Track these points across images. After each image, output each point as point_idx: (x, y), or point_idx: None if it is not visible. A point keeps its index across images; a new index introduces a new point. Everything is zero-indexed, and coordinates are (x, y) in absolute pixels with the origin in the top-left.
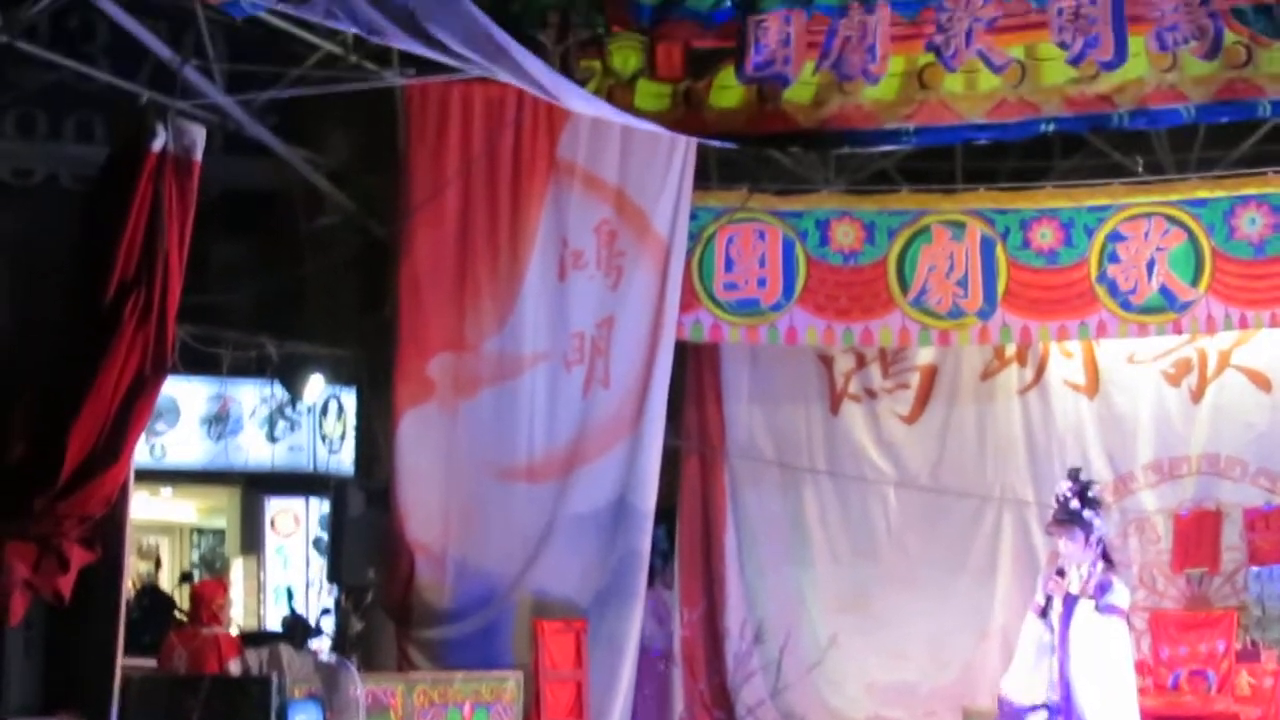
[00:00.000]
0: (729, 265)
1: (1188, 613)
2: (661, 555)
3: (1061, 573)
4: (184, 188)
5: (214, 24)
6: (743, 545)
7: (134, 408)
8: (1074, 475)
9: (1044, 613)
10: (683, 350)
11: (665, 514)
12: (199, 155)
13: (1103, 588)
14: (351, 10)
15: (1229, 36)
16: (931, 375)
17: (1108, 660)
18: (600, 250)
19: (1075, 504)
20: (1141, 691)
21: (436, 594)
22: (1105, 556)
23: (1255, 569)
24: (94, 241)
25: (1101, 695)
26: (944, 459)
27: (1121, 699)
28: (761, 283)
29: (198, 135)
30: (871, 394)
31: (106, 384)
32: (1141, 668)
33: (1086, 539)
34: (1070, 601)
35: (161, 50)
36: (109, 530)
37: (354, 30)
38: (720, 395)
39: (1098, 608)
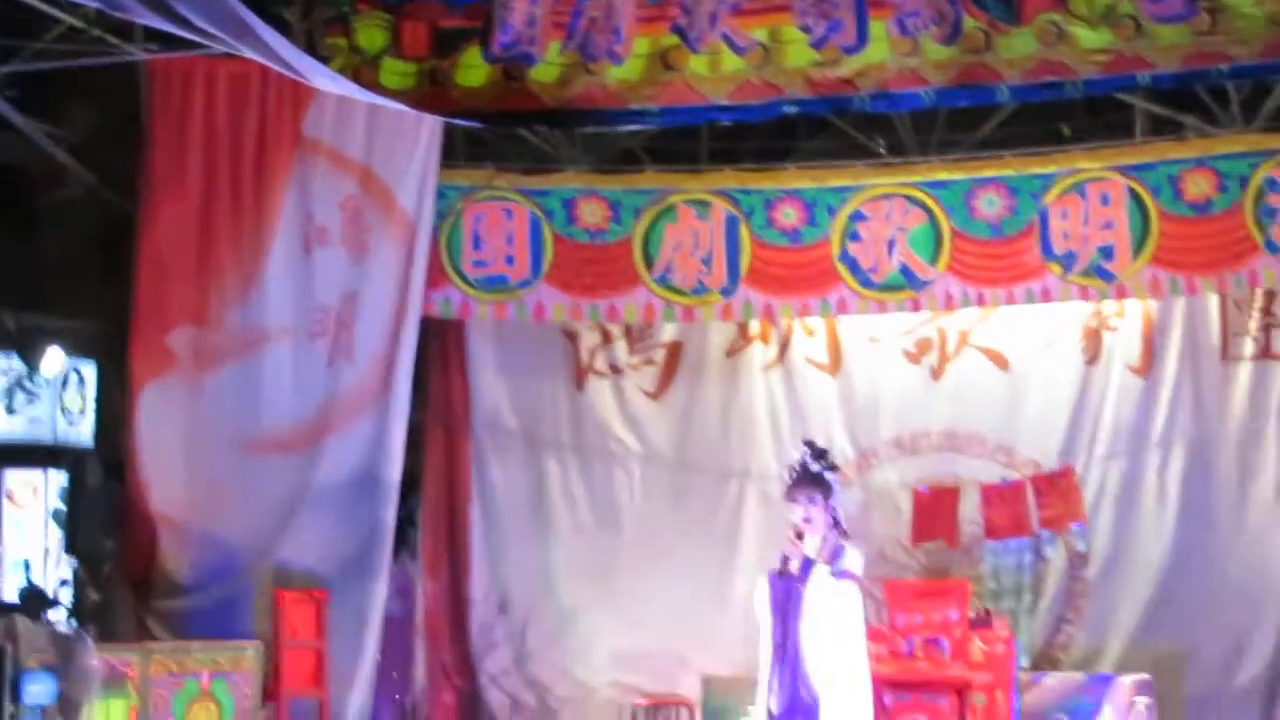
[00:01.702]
0: (477, 243)
1: (923, 582)
2: (409, 526)
3: (799, 536)
4: None
5: None
6: (487, 517)
7: None
8: (810, 444)
9: (778, 575)
10: (429, 325)
11: (411, 486)
12: None
13: (837, 553)
14: None
15: (968, 22)
16: (677, 352)
17: (841, 624)
18: (345, 226)
19: (815, 466)
20: (877, 659)
21: (178, 566)
22: (837, 524)
23: (990, 543)
24: None
25: (830, 659)
26: (689, 435)
27: (852, 662)
28: (509, 260)
29: None
30: (617, 370)
31: None
32: (878, 635)
33: (825, 502)
34: (806, 565)
35: None
36: None
37: (96, 5)
38: (466, 369)
39: (833, 573)
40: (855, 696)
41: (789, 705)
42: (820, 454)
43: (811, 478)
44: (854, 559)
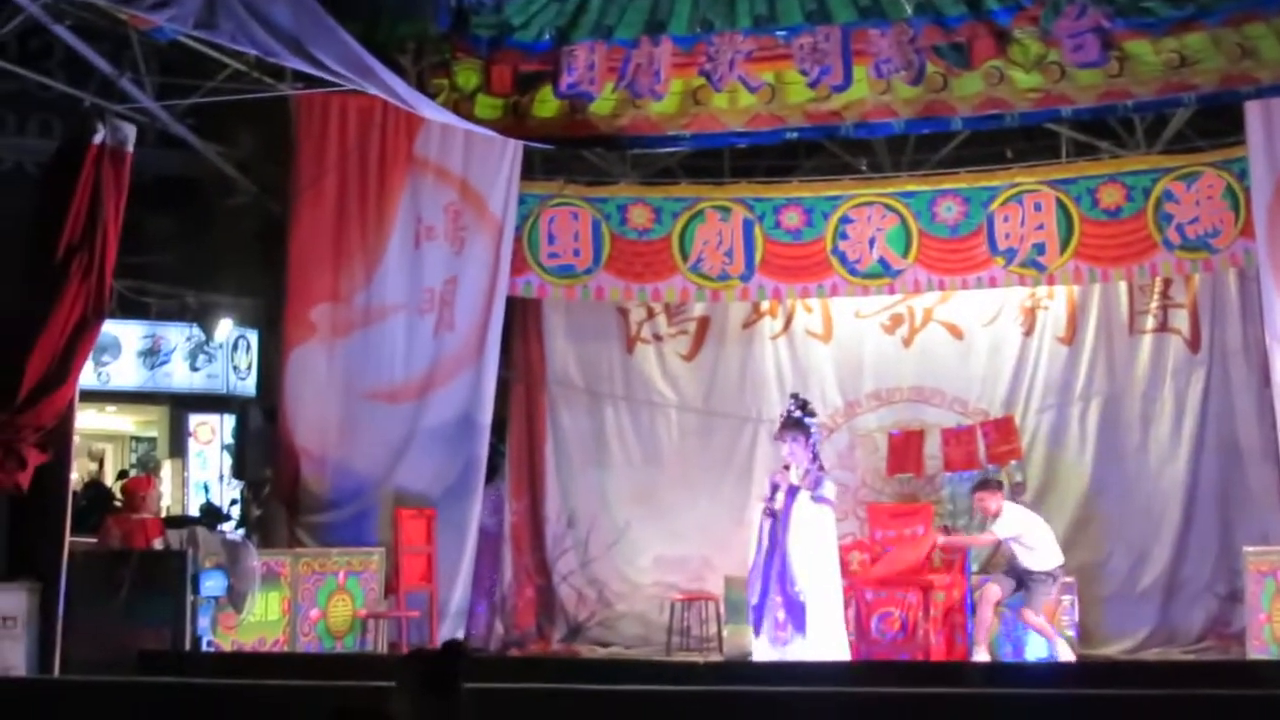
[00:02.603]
0: (551, 239)
1: (896, 505)
2: (499, 459)
3: (786, 468)
4: (119, 172)
5: (145, 45)
6: (558, 453)
7: (79, 343)
8: (795, 396)
9: (771, 499)
10: (513, 303)
11: (499, 428)
12: (130, 147)
13: (817, 482)
14: (251, 36)
15: (930, 67)
16: (705, 324)
17: (818, 538)
18: (448, 225)
19: (798, 414)
20: (861, 564)
21: (318, 488)
22: (816, 459)
23: (948, 474)
24: (48, 214)
25: (810, 566)
26: (714, 389)
27: (826, 568)
28: (576, 253)
29: (130, 132)
30: (659, 338)
31: (56, 325)
32: (863, 546)
33: (806, 441)
34: (792, 491)
35: (104, 66)
36: (59, 437)
37: (254, 52)
38: (542, 337)
39: (813, 498)
40: (829, 590)
41: (783, 602)
42: (803, 405)
43: (794, 423)
44: (830, 488)
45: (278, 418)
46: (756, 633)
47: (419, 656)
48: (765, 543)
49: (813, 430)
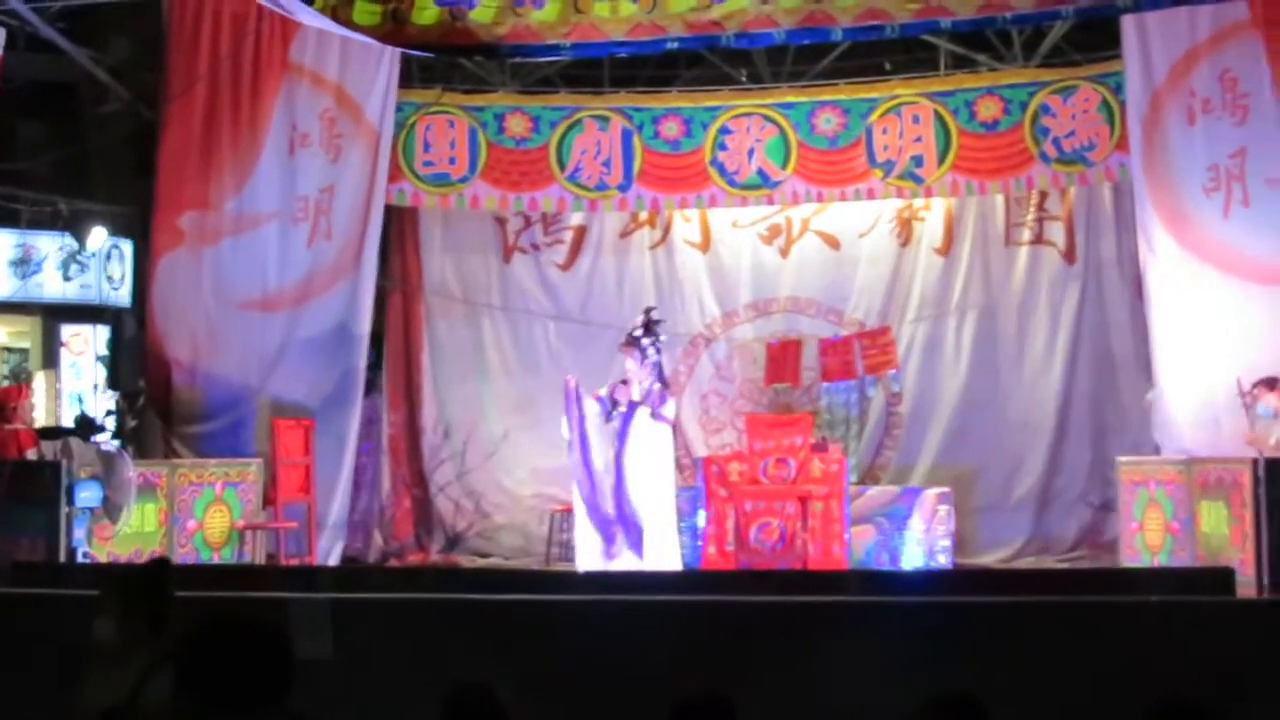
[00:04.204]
0: (426, 147)
1: (774, 416)
2: (376, 370)
3: (625, 382)
4: None
5: None
6: (435, 363)
7: None
8: (647, 311)
9: (609, 411)
10: (389, 212)
11: (376, 339)
12: (0, 51)
13: (660, 399)
14: None
15: None
16: (582, 234)
17: (655, 456)
18: (323, 133)
19: (639, 332)
20: (740, 475)
21: (191, 398)
22: (661, 379)
23: (825, 384)
24: None
25: (645, 482)
26: (590, 298)
27: (662, 487)
28: (452, 161)
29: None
30: (536, 248)
31: None
32: (740, 457)
33: (643, 359)
34: (631, 406)
35: None
36: None
37: None
38: (419, 247)
39: (652, 415)
40: (664, 511)
41: (617, 516)
42: (649, 323)
43: (633, 340)
44: (670, 408)
45: (147, 327)
46: (607, 539)
47: (121, 574)
48: (599, 453)
49: (649, 351)
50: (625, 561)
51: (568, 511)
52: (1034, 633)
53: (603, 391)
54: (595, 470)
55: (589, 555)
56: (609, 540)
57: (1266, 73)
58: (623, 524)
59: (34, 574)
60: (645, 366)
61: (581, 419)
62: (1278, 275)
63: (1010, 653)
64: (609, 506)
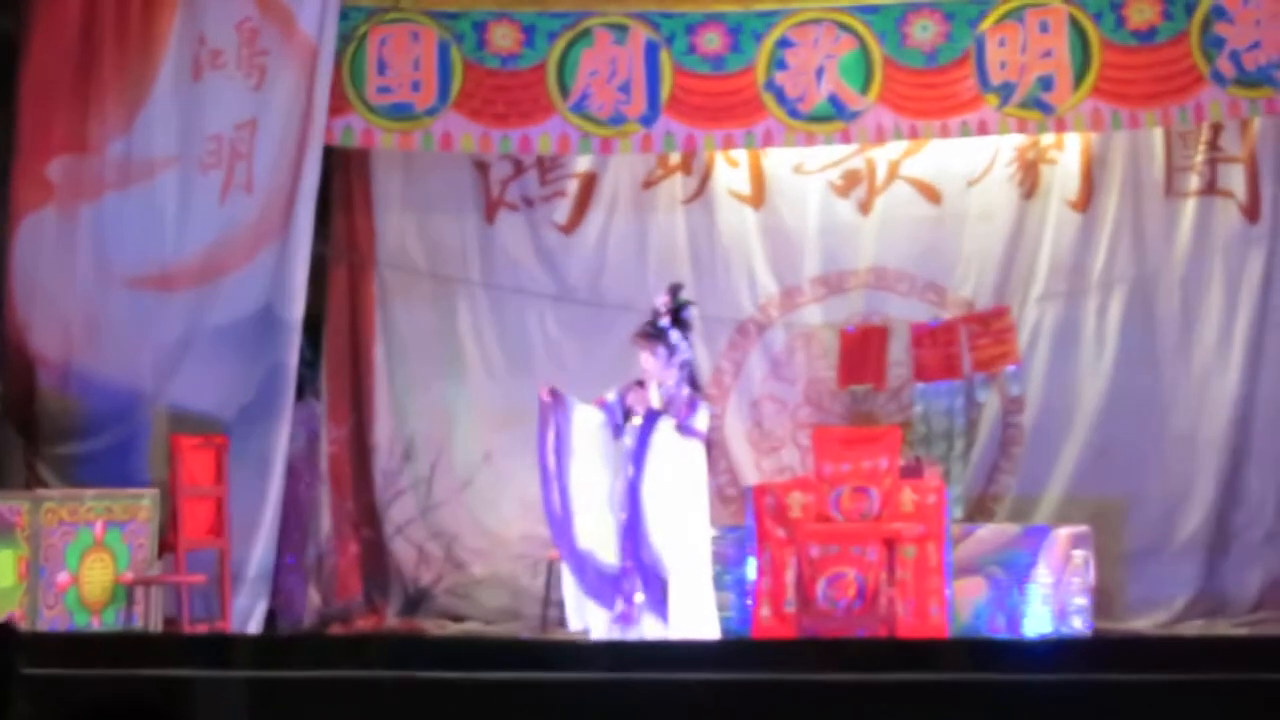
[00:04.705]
0: (381, 68)
1: (851, 429)
2: (313, 369)
3: (642, 384)
4: None
5: None
6: (392, 360)
7: None
8: (674, 290)
9: (620, 424)
10: (331, 156)
11: (313, 327)
12: None
13: (691, 407)
14: None
15: None
16: (591, 183)
17: (683, 482)
18: (241, 50)
19: (665, 321)
20: (805, 509)
21: (62, 408)
22: (692, 381)
23: (920, 385)
24: None
25: (670, 518)
26: (604, 270)
27: (693, 524)
28: (416, 86)
29: None
30: (529, 203)
31: None
32: (804, 485)
33: (669, 358)
34: (651, 417)
35: None
36: None
37: None
38: (371, 202)
39: (679, 428)
40: (697, 555)
41: (634, 565)
42: (678, 306)
43: (658, 333)
44: (703, 418)
45: (3, 311)
46: (608, 604)
47: None
48: (594, 482)
49: (679, 347)
50: (645, 630)
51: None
52: None
53: (610, 396)
54: (578, 508)
55: (584, 621)
56: (613, 599)
57: None
58: (641, 576)
59: None
60: (669, 367)
61: (562, 438)
62: None
63: None
64: (608, 555)
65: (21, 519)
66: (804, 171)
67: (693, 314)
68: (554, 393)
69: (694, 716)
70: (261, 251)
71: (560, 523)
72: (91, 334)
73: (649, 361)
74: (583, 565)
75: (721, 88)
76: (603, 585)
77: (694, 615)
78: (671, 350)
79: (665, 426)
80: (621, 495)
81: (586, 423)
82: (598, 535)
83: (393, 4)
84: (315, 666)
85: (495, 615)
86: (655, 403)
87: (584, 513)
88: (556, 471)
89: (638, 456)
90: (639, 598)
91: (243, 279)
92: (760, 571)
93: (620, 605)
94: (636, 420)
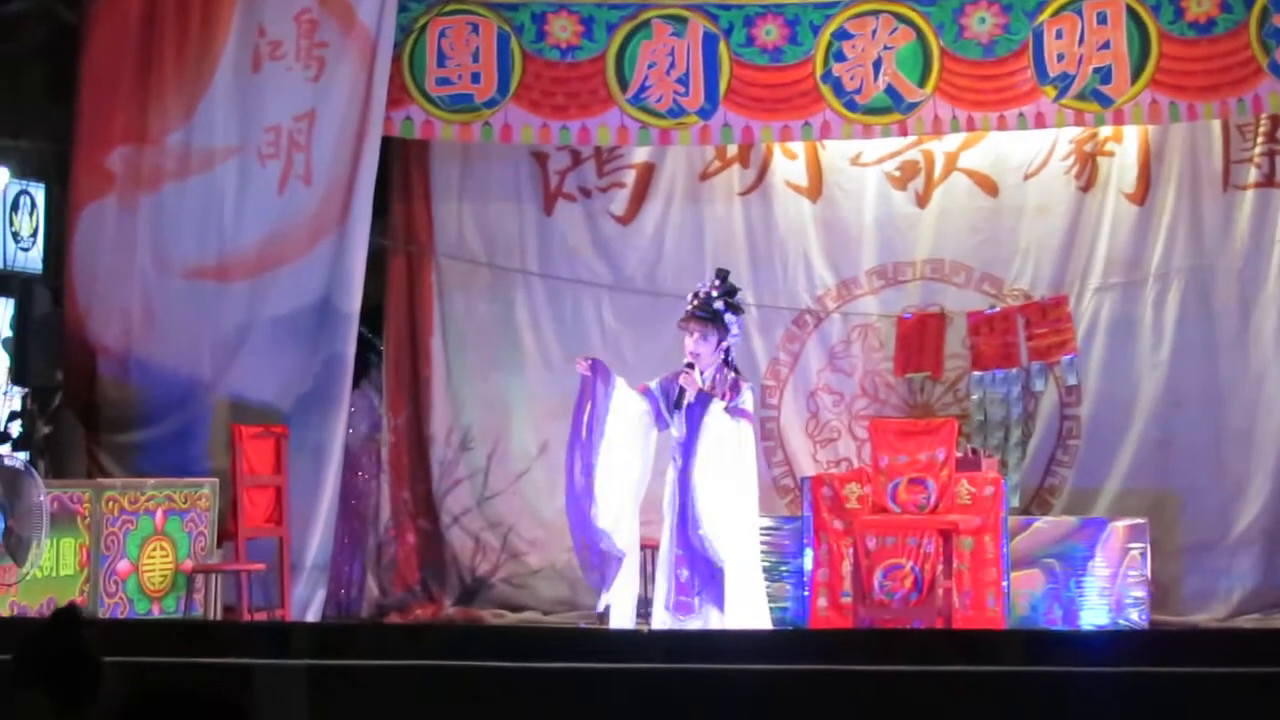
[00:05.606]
0: (441, 59)
1: (908, 420)
2: (373, 359)
3: (690, 366)
4: None
5: None
6: (450, 350)
7: None
8: (723, 275)
9: (668, 412)
10: (391, 147)
11: (372, 317)
12: None
13: (735, 389)
14: None
15: None
16: (649, 175)
17: (738, 465)
18: (300, 42)
19: (719, 304)
20: (860, 500)
21: (122, 397)
22: (732, 363)
23: (977, 374)
24: None
25: (726, 503)
26: (661, 261)
27: (745, 509)
28: (475, 78)
29: None
30: (586, 194)
31: None
32: (861, 476)
33: (719, 341)
34: (702, 400)
35: None
36: None
37: None
38: (429, 193)
39: (728, 409)
40: (749, 540)
41: (686, 557)
42: (729, 291)
43: (713, 315)
44: (749, 399)
45: (64, 301)
46: (603, 586)
47: (22, 634)
48: (621, 463)
49: (730, 331)
50: (701, 621)
51: (645, 548)
52: (1262, 717)
53: (653, 384)
54: (600, 484)
55: (655, 612)
56: (609, 582)
57: None
58: (693, 568)
59: None
60: (718, 350)
61: (596, 411)
62: None
63: None
64: (622, 542)
65: (83, 507)
66: (861, 163)
67: (741, 299)
68: (595, 365)
69: (751, 707)
70: (320, 243)
71: (580, 493)
72: (150, 323)
73: (700, 345)
74: (594, 540)
75: (779, 79)
76: (605, 566)
77: (749, 602)
78: (723, 334)
79: (716, 409)
80: (673, 487)
81: (626, 404)
82: (619, 521)
83: None
84: (373, 655)
85: (552, 606)
86: (704, 384)
87: (607, 492)
88: (586, 442)
89: (687, 445)
90: (693, 585)
91: (300, 270)
92: (817, 563)
93: (607, 597)
94: (689, 398)
